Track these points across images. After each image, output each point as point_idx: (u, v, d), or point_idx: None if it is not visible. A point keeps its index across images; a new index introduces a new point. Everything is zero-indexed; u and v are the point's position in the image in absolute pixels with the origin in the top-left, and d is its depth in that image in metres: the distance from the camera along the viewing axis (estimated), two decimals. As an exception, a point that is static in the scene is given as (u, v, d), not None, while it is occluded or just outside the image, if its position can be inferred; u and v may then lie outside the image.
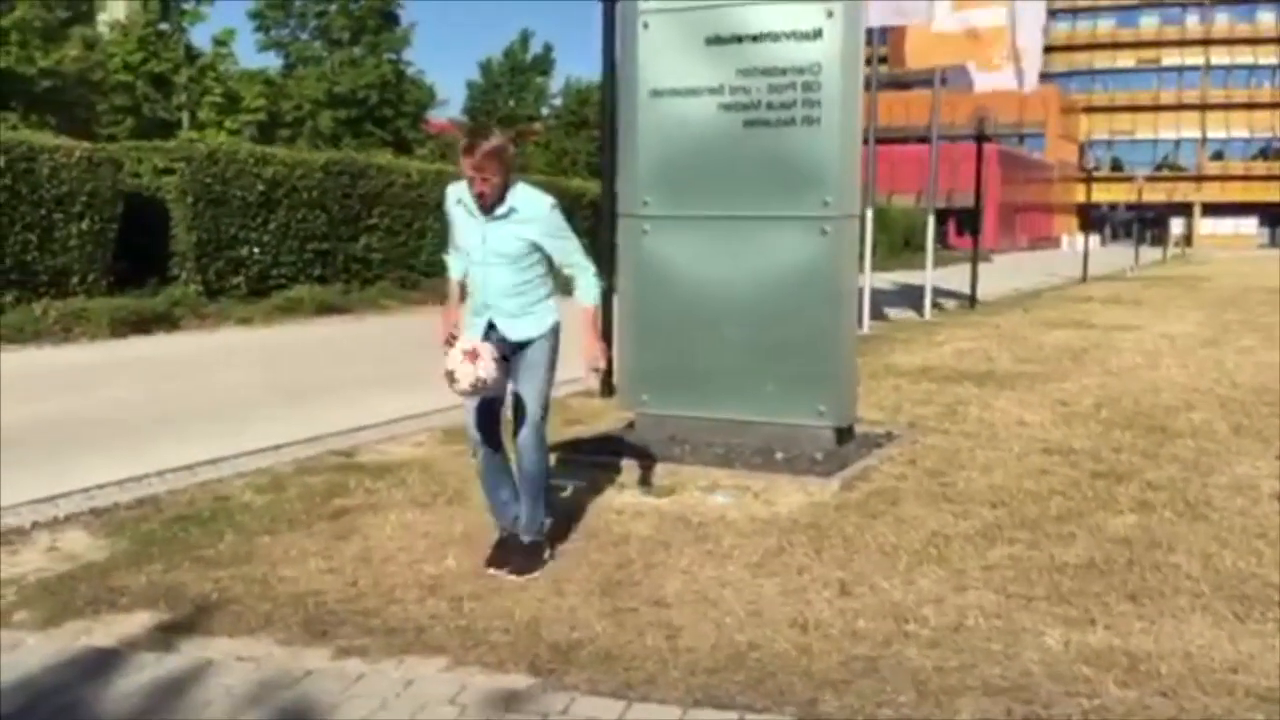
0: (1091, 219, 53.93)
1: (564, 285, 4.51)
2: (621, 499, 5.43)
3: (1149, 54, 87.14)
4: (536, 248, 4.29)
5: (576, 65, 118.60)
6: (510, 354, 4.35)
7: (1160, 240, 59.85)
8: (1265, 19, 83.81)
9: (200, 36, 38.92)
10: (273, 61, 37.18)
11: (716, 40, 6.30)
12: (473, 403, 4.39)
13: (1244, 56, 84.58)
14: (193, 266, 14.41)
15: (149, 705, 3.21)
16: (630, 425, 6.92)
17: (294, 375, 10.31)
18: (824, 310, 6.22)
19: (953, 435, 6.96)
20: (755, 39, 6.22)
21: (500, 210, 4.24)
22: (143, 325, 12.79)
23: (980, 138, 20.05)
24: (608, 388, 8.78)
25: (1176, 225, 71.45)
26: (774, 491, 5.50)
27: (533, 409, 4.38)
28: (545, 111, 44.25)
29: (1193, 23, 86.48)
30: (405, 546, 4.69)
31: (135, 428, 7.36)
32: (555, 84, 44.49)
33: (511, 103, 43.45)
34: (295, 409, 8.10)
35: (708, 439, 6.49)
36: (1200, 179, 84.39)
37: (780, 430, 6.36)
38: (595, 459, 6.18)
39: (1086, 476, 5.90)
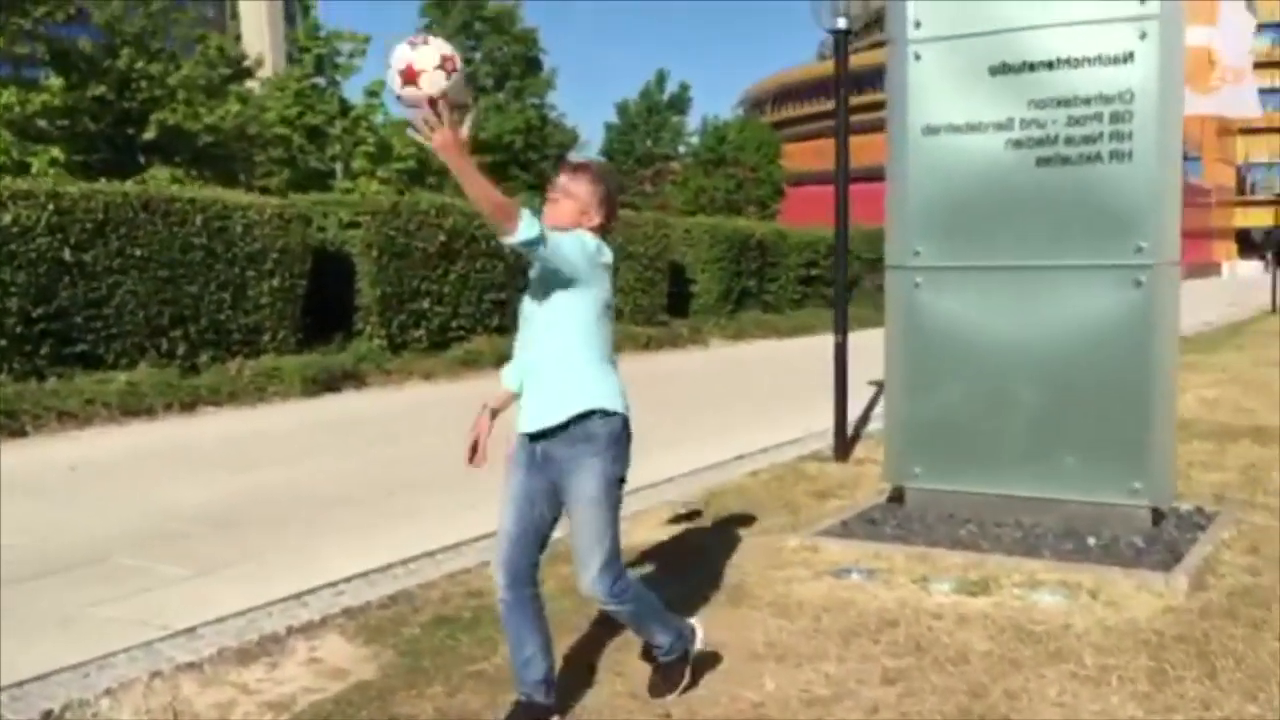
0: (1250, 244, 51.34)
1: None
2: (931, 599, 4.70)
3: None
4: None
5: (712, 104, 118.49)
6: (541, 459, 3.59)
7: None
8: None
9: (352, 89, 39.91)
10: (422, 110, 37.86)
11: (1003, 69, 5.59)
12: (509, 523, 3.54)
13: None
14: (377, 321, 14.21)
15: None
16: (892, 498, 6.21)
17: (498, 435, 9.84)
18: (1138, 371, 5.41)
19: (1278, 511, 6.04)
20: (1050, 66, 5.49)
21: None
22: (331, 383, 12.57)
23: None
24: (842, 451, 8.09)
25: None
26: (1110, 589, 4.69)
27: (594, 553, 3.45)
28: (682, 150, 44.03)
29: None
30: (706, 662, 4.06)
31: (358, 503, 6.94)
32: (692, 122, 44.22)
33: (649, 142, 43.38)
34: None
35: (996, 518, 5.73)
36: (1374, 200, 79.21)
37: (1084, 510, 5.56)
38: (872, 545, 5.49)
39: None
